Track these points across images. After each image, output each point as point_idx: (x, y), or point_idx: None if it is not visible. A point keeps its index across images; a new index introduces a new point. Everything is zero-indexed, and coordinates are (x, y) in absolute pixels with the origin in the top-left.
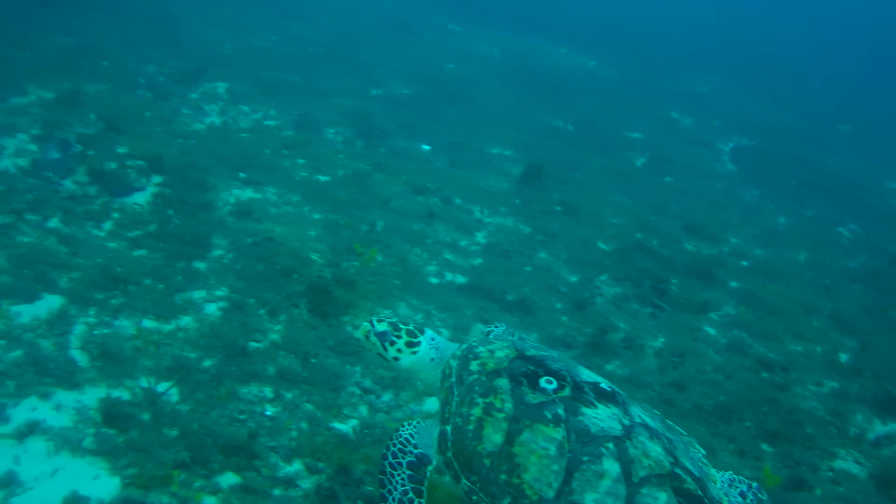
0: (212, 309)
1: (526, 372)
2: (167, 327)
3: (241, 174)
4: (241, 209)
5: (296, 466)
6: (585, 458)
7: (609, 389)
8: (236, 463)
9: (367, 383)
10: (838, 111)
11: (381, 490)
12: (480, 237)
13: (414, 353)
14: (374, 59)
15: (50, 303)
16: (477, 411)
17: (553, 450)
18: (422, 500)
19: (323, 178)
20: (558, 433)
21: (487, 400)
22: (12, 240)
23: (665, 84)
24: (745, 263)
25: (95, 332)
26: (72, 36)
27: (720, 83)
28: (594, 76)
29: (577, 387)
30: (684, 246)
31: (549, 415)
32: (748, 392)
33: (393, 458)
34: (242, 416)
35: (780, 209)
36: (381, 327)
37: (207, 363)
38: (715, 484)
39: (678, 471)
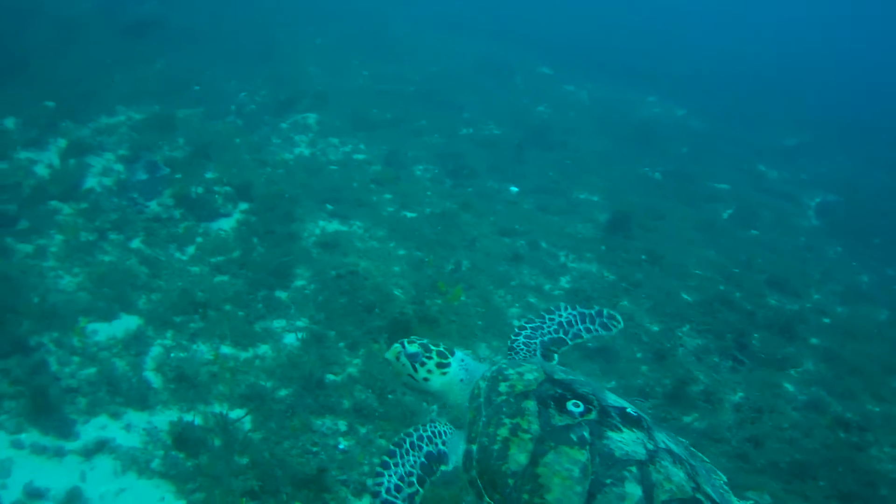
0: (291, 339)
1: (554, 395)
2: (244, 355)
3: (329, 206)
4: (326, 241)
5: (365, 502)
6: (608, 481)
7: (635, 414)
8: (306, 495)
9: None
10: None
11: (387, 458)
12: (564, 282)
13: (444, 374)
14: (465, 99)
15: (127, 323)
16: (503, 431)
17: (577, 472)
18: (420, 490)
19: (410, 215)
20: (583, 455)
21: (514, 421)
22: (94, 258)
23: (753, 135)
24: (826, 320)
25: (171, 355)
26: (164, 61)
27: (809, 137)
28: (682, 125)
29: (604, 411)
30: (767, 300)
31: (574, 437)
32: (824, 451)
33: (418, 440)
34: (315, 449)
35: (863, 267)
36: (412, 349)
37: (283, 393)
38: None
39: (699, 496)
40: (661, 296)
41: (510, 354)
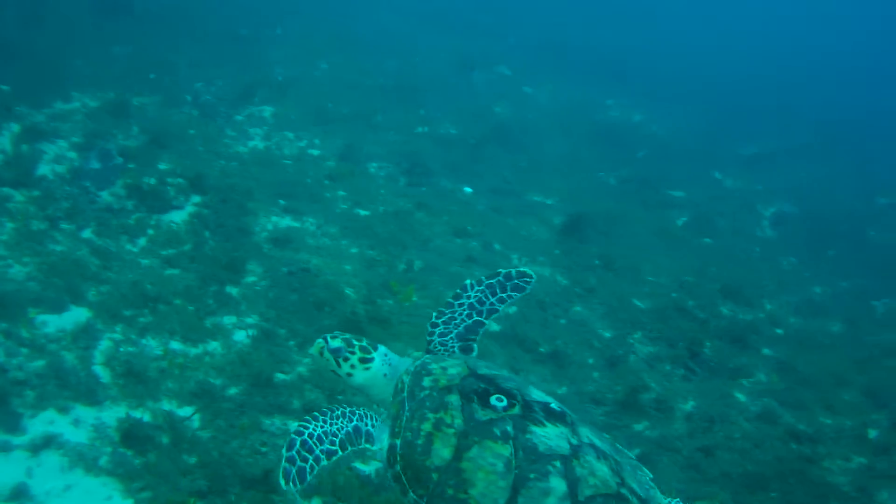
0: (241, 336)
1: (477, 389)
2: (194, 351)
3: (281, 201)
4: (278, 237)
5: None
6: (532, 476)
7: (559, 409)
8: (254, 496)
9: None
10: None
11: (317, 413)
12: None
13: (367, 368)
14: (424, 96)
15: (77, 315)
16: (427, 426)
17: (500, 466)
18: (340, 452)
19: (363, 213)
20: (506, 450)
21: (438, 415)
22: (44, 247)
23: (710, 142)
24: (779, 331)
25: (121, 350)
26: (127, 46)
27: (772, 146)
28: (639, 130)
29: (527, 405)
30: (720, 309)
31: (497, 432)
32: (776, 462)
33: (350, 413)
34: (264, 449)
35: (816, 278)
36: (335, 343)
37: (232, 391)
38: None
39: (624, 491)
40: (614, 301)
41: (429, 339)
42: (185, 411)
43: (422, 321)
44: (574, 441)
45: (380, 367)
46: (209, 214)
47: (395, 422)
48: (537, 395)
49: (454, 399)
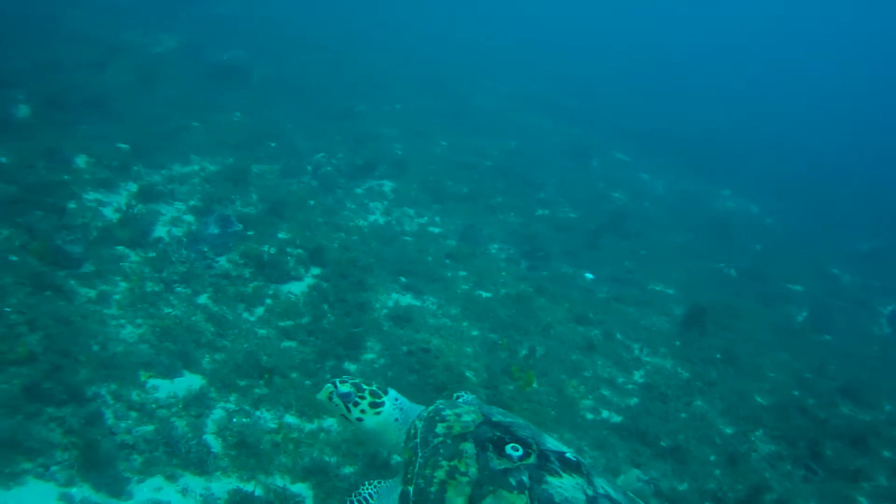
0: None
1: (492, 438)
2: (309, 426)
3: (402, 278)
4: (398, 314)
5: None
6: None
7: (574, 459)
8: None
9: None
10: None
11: None
12: (638, 376)
13: (377, 413)
14: (542, 178)
15: (190, 381)
16: (440, 474)
17: None
18: None
19: (485, 294)
20: (522, 500)
21: (452, 463)
22: (158, 310)
23: (827, 237)
24: None
25: (234, 420)
26: (248, 114)
27: (885, 242)
28: (755, 222)
29: (543, 455)
30: (840, 409)
31: (513, 482)
32: None
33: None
34: None
35: None
36: (345, 388)
37: (347, 470)
38: None
39: None
40: (734, 397)
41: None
42: (298, 488)
43: (543, 408)
44: (590, 492)
45: (391, 411)
46: (328, 288)
47: (408, 468)
48: (552, 444)
49: (469, 447)
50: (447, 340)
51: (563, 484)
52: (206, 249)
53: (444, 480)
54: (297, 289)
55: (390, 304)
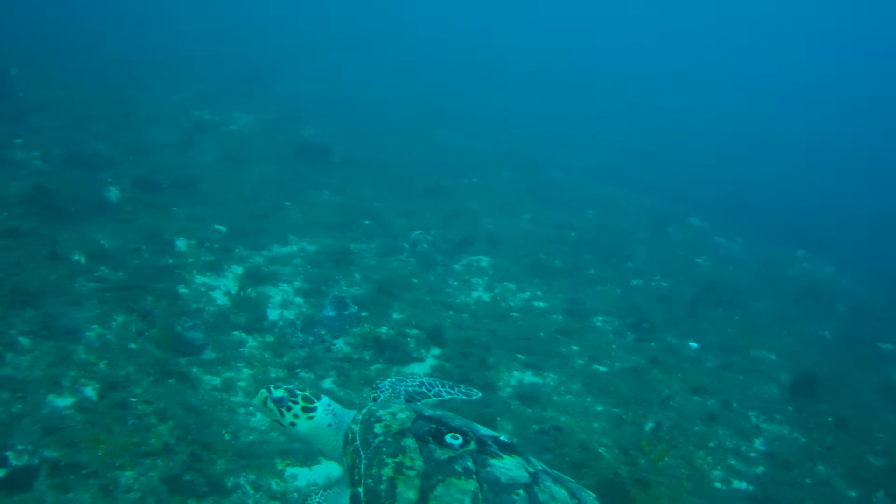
0: None
1: (430, 430)
2: None
3: (520, 356)
4: (524, 393)
5: None
6: None
7: (509, 441)
8: None
9: None
10: None
11: None
12: (758, 444)
13: (310, 418)
14: (626, 248)
15: (329, 468)
16: (388, 471)
17: (468, 501)
18: None
19: (601, 369)
20: (471, 485)
21: (397, 459)
22: None
23: None
24: None
25: None
26: (336, 193)
27: None
28: (833, 282)
29: (481, 440)
30: None
31: (459, 468)
32: None
33: None
34: None
35: None
36: (278, 393)
37: None
38: None
39: None
40: (852, 460)
41: (375, 393)
42: None
43: (678, 482)
44: (531, 469)
45: (323, 416)
46: (451, 368)
47: (353, 471)
48: (484, 430)
49: (410, 442)
50: (575, 417)
51: (506, 464)
52: (323, 332)
53: (393, 476)
54: (420, 370)
55: (513, 382)
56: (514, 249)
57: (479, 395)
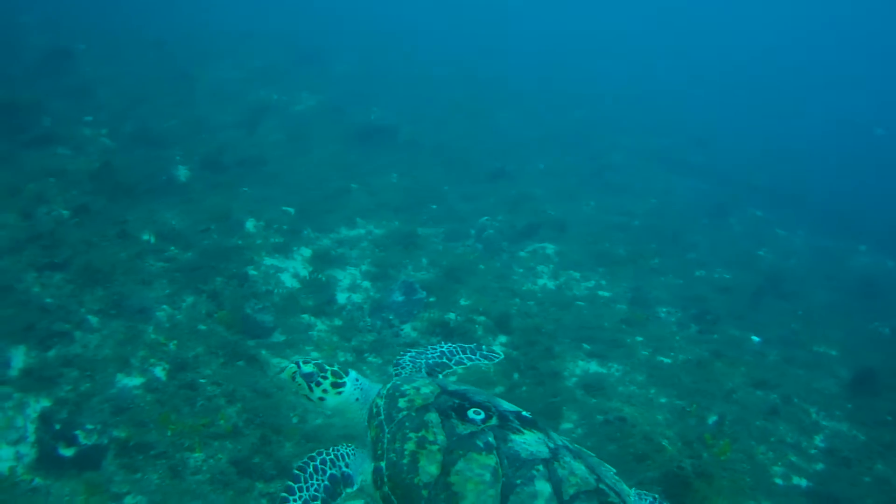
0: None
1: (453, 405)
2: None
3: (585, 345)
4: (589, 383)
5: None
6: (519, 482)
7: (530, 417)
8: None
9: None
10: None
11: (291, 483)
12: (818, 440)
13: (339, 393)
14: (689, 237)
15: None
16: (410, 445)
17: (488, 476)
18: None
19: (665, 360)
20: (491, 460)
21: (420, 434)
22: None
23: None
24: None
25: None
26: (403, 176)
27: None
28: (894, 277)
29: (503, 416)
30: None
31: (480, 444)
32: None
33: (321, 464)
34: None
35: None
36: (308, 368)
37: None
38: (629, 497)
39: (602, 486)
40: None
41: (397, 370)
42: None
43: (739, 476)
44: (551, 445)
45: (351, 391)
46: (518, 356)
47: (377, 445)
48: (507, 405)
49: (433, 417)
50: (639, 408)
51: (526, 440)
52: (391, 317)
53: (415, 451)
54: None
55: (578, 371)
56: (579, 237)
57: (501, 356)
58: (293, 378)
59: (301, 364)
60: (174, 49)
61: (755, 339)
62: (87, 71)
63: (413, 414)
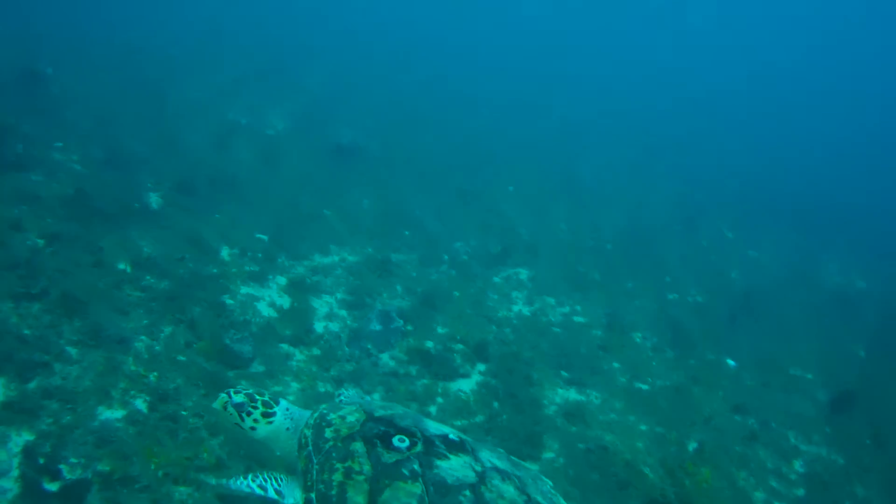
0: None
1: (378, 433)
2: None
3: (563, 372)
4: (569, 411)
5: None
6: None
7: (458, 439)
8: None
9: None
10: None
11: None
12: (799, 465)
13: (270, 423)
14: (662, 260)
15: None
16: (338, 476)
17: None
18: None
19: (643, 387)
20: (417, 488)
21: (346, 464)
22: None
23: None
24: None
25: None
26: (375, 199)
27: None
28: (864, 295)
29: (428, 441)
30: None
31: (406, 472)
32: None
33: (253, 483)
34: None
35: None
36: (238, 398)
37: None
38: None
39: None
40: (890, 481)
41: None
42: None
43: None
44: (478, 468)
45: (282, 421)
46: (497, 384)
47: (306, 476)
48: (434, 427)
49: (359, 446)
50: (620, 436)
51: (452, 465)
52: (369, 346)
53: (343, 482)
54: (466, 386)
55: (558, 399)
56: (552, 262)
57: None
58: (224, 408)
59: (232, 394)
60: (144, 61)
61: (730, 362)
62: (55, 90)
63: (339, 444)
